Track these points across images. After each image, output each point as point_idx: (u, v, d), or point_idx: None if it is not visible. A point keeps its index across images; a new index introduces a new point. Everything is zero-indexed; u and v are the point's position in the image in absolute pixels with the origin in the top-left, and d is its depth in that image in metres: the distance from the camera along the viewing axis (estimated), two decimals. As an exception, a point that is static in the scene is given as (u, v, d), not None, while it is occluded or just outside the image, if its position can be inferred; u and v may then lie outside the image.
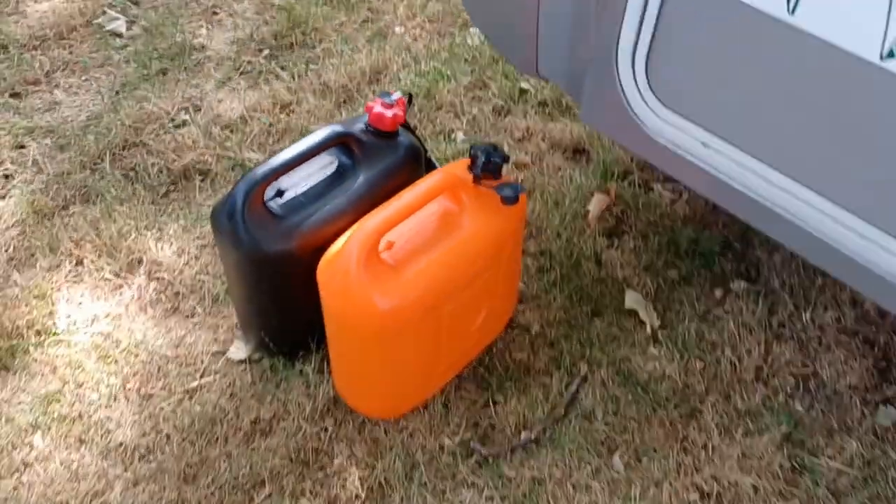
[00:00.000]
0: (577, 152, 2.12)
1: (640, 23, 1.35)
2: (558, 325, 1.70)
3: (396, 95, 1.53)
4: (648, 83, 1.41)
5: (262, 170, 1.36)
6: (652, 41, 1.36)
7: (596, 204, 1.94)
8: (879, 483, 1.48)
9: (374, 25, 2.50)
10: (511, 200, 1.40)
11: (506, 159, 1.44)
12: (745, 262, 1.88)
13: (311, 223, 1.40)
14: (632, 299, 1.76)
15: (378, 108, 1.50)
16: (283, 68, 2.32)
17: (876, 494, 1.47)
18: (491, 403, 1.57)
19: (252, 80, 2.29)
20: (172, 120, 2.14)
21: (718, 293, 1.81)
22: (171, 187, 1.96)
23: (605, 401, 1.58)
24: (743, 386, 1.63)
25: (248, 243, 1.36)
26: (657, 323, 1.73)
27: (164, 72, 2.30)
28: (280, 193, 1.43)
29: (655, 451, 1.52)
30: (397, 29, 2.49)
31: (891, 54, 1.06)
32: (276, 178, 1.39)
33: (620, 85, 1.44)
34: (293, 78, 2.28)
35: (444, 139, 2.12)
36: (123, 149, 2.04)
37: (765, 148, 1.30)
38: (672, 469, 1.48)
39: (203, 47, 2.38)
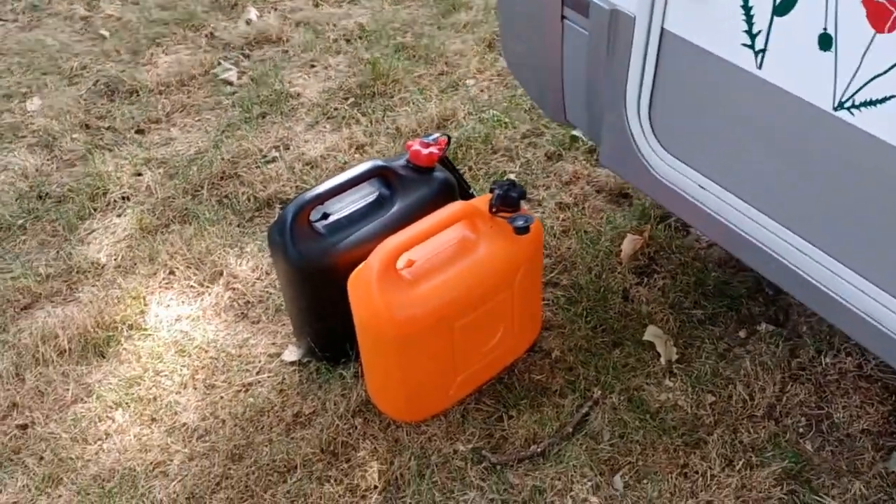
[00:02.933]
0: (621, 196, 2.25)
1: (642, 74, 1.51)
2: (578, 352, 1.83)
3: (436, 136, 1.75)
4: (653, 130, 1.56)
5: (309, 194, 1.61)
6: (652, 91, 1.52)
7: (628, 243, 2.06)
8: (881, 525, 1.51)
9: (448, 78, 2.76)
10: (522, 231, 1.58)
11: (522, 195, 1.62)
12: (775, 307, 1.94)
13: (349, 242, 1.62)
14: (651, 333, 1.86)
15: (416, 147, 1.72)
16: (363, 114, 2.61)
17: (875, 536, 1.50)
18: (505, 417, 1.72)
19: (336, 123, 2.59)
20: (264, 156, 2.46)
21: (743, 333, 1.88)
22: (256, 213, 2.26)
23: (612, 424, 1.69)
24: (752, 421, 1.69)
25: (294, 256, 1.60)
26: (675, 357, 1.82)
27: (263, 115, 2.64)
28: (325, 216, 1.67)
29: (656, 474, 1.61)
30: (469, 82, 2.74)
31: (840, 106, 1.17)
32: (322, 203, 1.63)
33: (629, 130, 1.59)
34: (370, 123, 2.55)
35: (498, 178, 2.31)
36: (220, 179, 2.37)
37: (747, 189, 1.42)
38: (668, 492, 1.57)
39: (298, 95, 2.72)
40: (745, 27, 1.25)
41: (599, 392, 1.75)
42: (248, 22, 3.11)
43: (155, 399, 1.79)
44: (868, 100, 1.12)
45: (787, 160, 1.31)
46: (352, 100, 2.69)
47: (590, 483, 1.60)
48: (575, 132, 2.42)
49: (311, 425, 1.71)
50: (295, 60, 2.90)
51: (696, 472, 1.60)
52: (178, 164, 2.45)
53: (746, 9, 1.24)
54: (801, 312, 1.91)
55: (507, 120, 2.51)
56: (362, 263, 1.55)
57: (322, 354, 1.79)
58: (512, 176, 2.33)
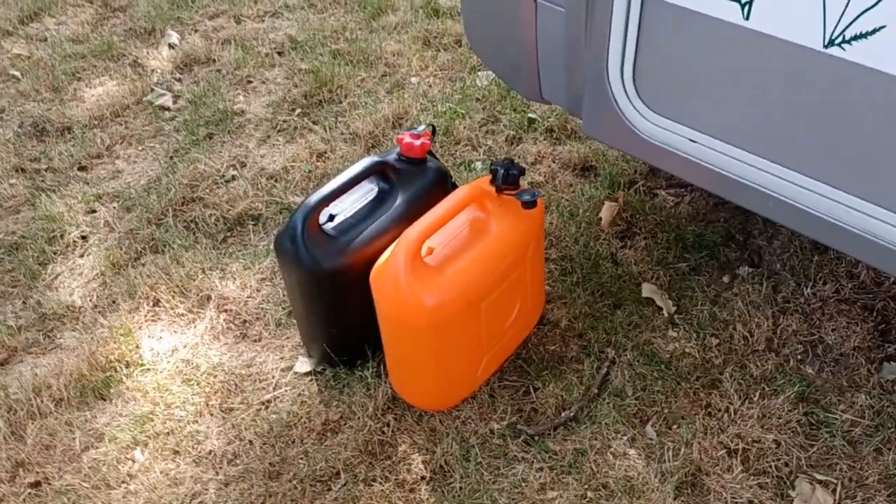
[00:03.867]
0: (586, 169, 2.34)
1: (624, 40, 1.58)
2: (584, 319, 1.90)
3: (422, 128, 1.78)
4: (637, 93, 1.64)
5: (314, 198, 1.59)
6: (636, 56, 1.59)
7: (607, 211, 2.15)
8: (890, 429, 1.64)
9: (391, 79, 2.77)
10: (530, 205, 1.62)
11: (522, 171, 1.67)
12: (748, 251, 2.07)
13: (362, 240, 1.62)
14: (648, 290, 1.95)
15: (407, 139, 1.74)
16: (315, 123, 2.59)
17: (887, 439, 1.63)
18: (532, 390, 1.76)
19: (289, 135, 2.56)
20: (223, 176, 2.40)
21: (726, 279, 1.99)
22: (229, 233, 2.21)
23: (633, 379, 1.76)
24: (756, 356, 1.80)
25: (308, 261, 1.59)
26: (673, 309, 1.92)
27: (210, 136, 2.57)
28: (332, 218, 1.66)
29: (683, 418, 1.69)
30: (413, 80, 2.76)
31: (831, 43, 1.28)
32: (328, 205, 1.62)
33: (613, 98, 1.67)
34: (325, 130, 2.54)
35: (465, 169, 2.35)
36: (183, 204, 2.29)
37: (741, 136, 1.51)
38: (700, 431, 1.65)
39: (243, 112, 2.66)
40: (730, -19, 1.34)
41: (613, 352, 1.82)
42: (172, 46, 3.01)
43: (173, 432, 1.72)
44: (859, 33, 1.23)
45: (780, 103, 1.41)
46: (299, 110, 2.66)
47: (625, 437, 1.66)
48: (532, 115, 2.49)
49: (343, 430, 1.70)
50: (230, 78, 2.84)
51: (720, 410, 1.70)
52: (133, 196, 2.35)
53: (730, -36, 1.33)
54: (772, 252, 2.06)
55: (462, 111, 2.55)
56: (384, 257, 1.55)
57: (339, 359, 1.78)
58: (478, 164, 2.37)
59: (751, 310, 1.89)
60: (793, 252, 2.04)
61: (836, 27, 1.25)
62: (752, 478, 1.58)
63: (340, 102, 2.67)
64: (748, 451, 1.62)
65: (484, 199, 1.64)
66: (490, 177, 1.69)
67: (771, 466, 1.60)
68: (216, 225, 2.22)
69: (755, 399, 1.71)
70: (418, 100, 2.64)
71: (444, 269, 1.54)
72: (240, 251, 2.14)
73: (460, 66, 2.80)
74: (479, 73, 2.74)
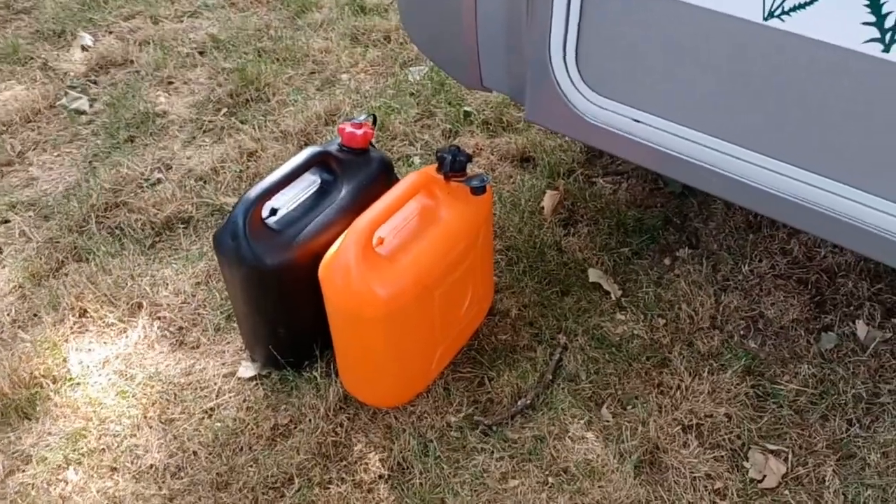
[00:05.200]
0: (524, 160, 2.34)
1: (566, 23, 1.58)
2: (533, 307, 1.89)
3: (363, 117, 1.73)
4: (580, 75, 1.64)
5: (255, 192, 1.52)
6: (578, 38, 1.59)
7: (548, 200, 2.15)
8: (833, 395, 1.69)
9: (320, 76, 2.71)
10: (480, 190, 1.60)
11: (469, 158, 1.64)
12: (686, 233, 2.11)
13: (306, 234, 1.56)
14: (594, 275, 1.96)
15: (349, 129, 1.69)
16: (243, 122, 2.50)
17: (832, 405, 1.68)
18: (486, 380, 1.73)
19: (216, 136, 2.46)
20: (147, 179, 2.28)
21: (667, 261, 2.02)
22: (157, 238, 2.09)
23: (585, 363, 1.76)
24: (702, 333, 1.83)
25: (252, 258, 1.51)
26: (619, 292, 1.93)
27: (132, 139, 2.44)
28: (274, 212, 1.59)
29: (637, 398, 1.69)
30: (343, 76, 2.71)
31: (771, 15, 1.31)
32: (269, 199, 1.55)
33: (556, 81, 1.66)
34: (254, 129, 2.45)
35: (404, 164, 2.31)
36: (106, 210, 2.16)
37: (684, 113, 1.53)
38: (654, 410, 1.66)
39: (165, 113, 2.54)
40: (670, -43, 1.36)
41: (564, 338, 1.81)
42: (85, 48, 2.85)
43: (109, 448, 1.60)
44: (797, 4, 1.26)
45: (723, 77, 1.43)
46: (225, 110, 2.56)
47: (582, 421, 1.65)
48: (467, 108, 2.48)
49: (294, 434, 1.62)
50: (149, 80, 2.71)
51: (671, 388, 1.71)
52: (50, 203, 2.20)
53: (670, -61, 1.34)
54: (708, 233, 2.10)
55: (396, 106, 2.51)
56: (332, 250, 1.50)
57: (285, 361, 1.70)
58: (416, 159, 2.34)
59: (693, 289, 1.92)
60: (728, 232, 2.09)
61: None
62: (707, 452, 1.60)
63: (268, 101, 2.59)
64: (702, 426, 1.64)
65: (432, 186, 1.61)
66: (437, 164, 1.65)
67: (724, 440, 1.62)
68: (143, 230, 2.11)
69: (704, 375, 1.73)
70: (350, 96, 2.58)
71: (397, 258, 1.50)
72: (171, 256, 2.04)
73: (391, 62, 2.76)
74: (410, 69, 2.71)
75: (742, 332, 1.84)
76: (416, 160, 2.33)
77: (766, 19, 1.31)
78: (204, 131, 2.48)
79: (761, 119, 1.44)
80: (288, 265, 1.54)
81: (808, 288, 1.93)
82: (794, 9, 1.27)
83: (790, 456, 1.60)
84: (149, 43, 2.89)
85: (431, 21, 1.88)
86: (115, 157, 2.36)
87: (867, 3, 1.20)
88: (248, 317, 1.68)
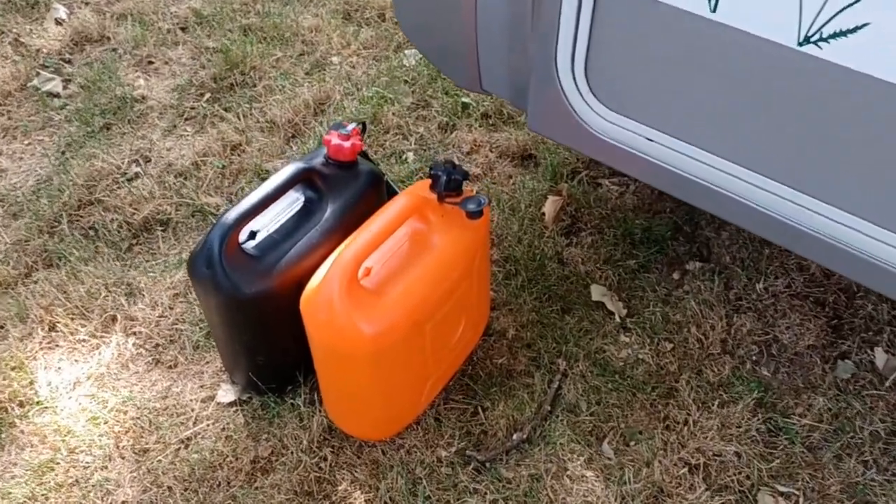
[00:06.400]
0: (525, 158, 2.20)
1: (575, 32, 1.43)
2: (532, 327, 1.77)
3: (351, 126, 1.58)
4: (590, 88, 1.50)
5: (233, 214, 1.39)
6: (588, 49, 1.44)
7: (550, 206, 2.02)
8: (849, 433, 1.59)
9: (310, 58, 2.54)
10: (476, 215, 1.47)
11: (466, 176, 1.51)
12: (697, 243, 1.98)
13: (288, 260, 1.43)
14: (597, 292, 1.84)
15: (336, 141, 1.54)
16: (227, 110, 2.34)
17: (847, 444, 1.58)
18: (480, 410, 1.62)
19: (198, 124, 2.31)
20: (124, 174, 2.14)
21: (676, 275, 1.90)
22: (134, 241, 1.97)
23: (587, 393, 1.66)
24: (712, 360, 1.72)
25: (229, 288, 1.39)
26: (624, 311, 1.81)
27: (108, 127, 2.29)
28: (253, 235, 1.46)
29: (641, 433, 1.59)
30: (334, 59, 2.54)
31: (806, 40, 1.16)
32: (248, 221, 1.42)
33: (563, 92, 1.52)
34: (239, 118, 2.30)
35: (396, 161, 2.17)
36: (79, 208, 2.03)
37: (703, 136, 1.40)
38: (659, 448, 1.56)
39: (144, 98, 2.39)
40: (695, -31, 1.21)
41: (564, 363, 1.71)
42: (59, 21, 2.68)
43: (78, 482, 1.51)
44: (838, 31, 1.11)
45: (748, 101, 1.29)
46: (208, 95, 2.40)
47: (582, 458, 1.56)
48: (465, 99, 2.32)
49: (275, 468, 1.53)
50: (128, 59, 2.55)
51: (678, 422, 1.61)
52: (19, 200, 2.07)
53: (696, -50, 1.19)
54: (720, 244, 1.98)
55: (389, 95, 2.35)
56: (315, 281, 1.37)
57: (266, 386, 1.60)
58: (410, 155, 2.20)
59: (704, 309, 1.81)
60: (741, 244, 1.97)
61: (812, 24, 1.13)
62: (715, 496, 1.50)
63: (254, 86, 2.43)
64: (709, 466, 1.54)
65: (425, 208, 1.47)
66: (429, 181, 1.52)
67: (733, 481, 1.52)
68: (119, 232, 1.98)
69: (714, 408, 1.63)
70: (341, 83, 2.42)
71: (384, 291, 1.37)
72: (148, 262, 1.91)
73: (385, 44, 2.59)
74: (405, 52, 2.54)
75: (754, 359, 1.73)
76: (410, 156, 2.19)
77: (800, 45, 1.16)
78: (185, 119, 2.33)
79: (787, 149, 1.30)
80: (267, 294, 1.42)
81: (825, 309, 1.81)
82: (833, 35, 1.12)
83: (801, 499, 1.51)
84: (127, 17, 2.71)
85: (427, 17, 1.72)
86: (89, 148, 2.21)
87: (920, 33, 1.05)
88: (226, 343, 1.57)
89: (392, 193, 1.63)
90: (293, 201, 1.52)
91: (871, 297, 1.83)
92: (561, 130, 1.61)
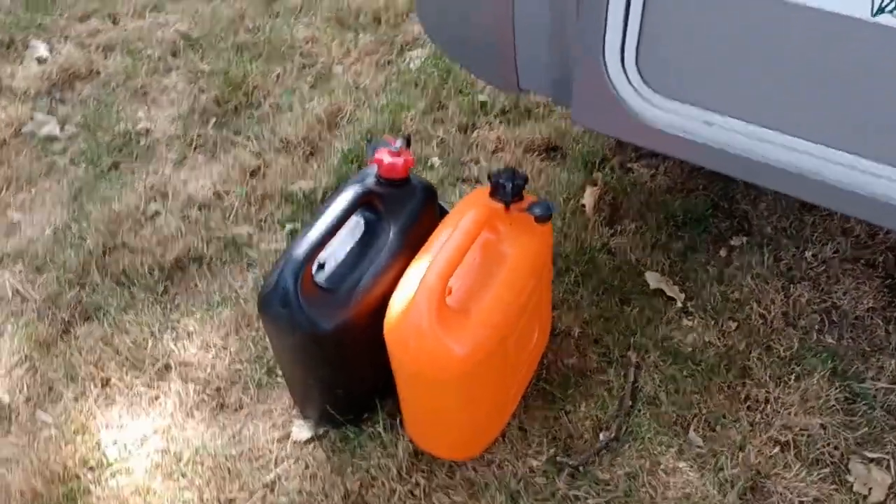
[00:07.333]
0: (550, 150, 2.17)
1: (626, 21, 1.40)
2: (595, 322, 1.76)
3: (398, 143, 1.53)
4: (642, 77, 1.47)
5: (301, 249, 1.34)
6: (640, 37, 1.41)
7: (589, 197, 2.00)
8: (923, 390, 1.61)
9: (312, 70, 2.47)
10: (545, 219, 1.44)
11: (526, 180, 1.48)
12: (737, 217, 1.98)
13: (363, 287, 1.39)
14: (653, 279, 1.83)
15: (388, 159, 1.50)
16: (237, 133, 2.27)
17: (924, 401, 1.60)
18: (563, 414, 1.60)
19: (209, 152, 2.23)
20: (144, 213, 2.06)
21: (723, 252, 1.90)
22: (169, 283, 1.89)
23: (664, 383, 1.65)
24: (777, 334, 1.72)
25: (308, 325, 1.34)
26: (682, 296, 1.80)
27: (116, 165, 2.20)
28: (321, 267, 1.41)
29: (725, 416, 1.59)
30: (337, 69, 2.48)
31: (881, 10, 1.15)
32: (318, 254, 1.37)
33: (612, 83, 1.49)
34: (251, 141, 2.23)
35: (423, 167, 2.13)
36: (105, 255, 1.95)
37: (770, 115, 1.38)
38: (746, 429, 1.56)
39: (148, 131, 2.30)
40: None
41: (635, 355, 1.69)
42: (41, 60, 2.56)
43: (168, 542, 1.45)
44: (917, 0, 1.10)
45: (819, 77, 1.28)
46: (214, 120, 2.32)
47: (672, 450, 1.55)
48: (481, 96, 2.28)
49: (368, 502, 1.49)
50: (122, 92, 2.45)
51: (759, 401, 1.61)
52: (41, 253, 1.97)
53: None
54: (760, 216, 1.98)
55: (404, 101, 2.30)
56: (399, 307, 1.33)
57: (343, 419, 1.55)
58: (435, 160, 2.15)
59: (759, 284, 1.81)
60: (781, 213, 1.97)
61: (889, -6, 1.12)
62: (811, 471, 1.50)
63: (260, 105, 2.36)
64: (798, 442, 1.55)
65: (493, 218, 1.44)
66: (487, 190, 1.48)
67: (824, 454, 1.53)
68: (152, 275, 1.90)
69: (791, 382, 1.63)
70: (350, 93, 2.36)
71: (469, 310, 1.34)
72: (189, 302, 1.84)
73: (387, 48, 2.53)
74: (409, 53, 2.49)
75: (818, 328, 1.74)
76: (436, 161, 2.14)
77: (874, 15, 1.15)
78: (195, 148, 2.25)
79: (863, 120, 1.29)
80: (347, 326, 1.38)
81: (877, 270, 1.83)
82: (913, 4, 1.11)
83: (892, 463, 1.52)
84: (113, 48, 2.60)
85: (455, 17, 1.67)
86: (102, 190, 2.12)
87: None
88: (300, 379, 1.52)
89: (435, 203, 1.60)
90: (354, 226, 1.48)
91: (919, 252, 1.85)
92: (611, 121, 1.58)
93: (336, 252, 1.44)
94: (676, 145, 1.52)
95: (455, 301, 1.35)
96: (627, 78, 1.48)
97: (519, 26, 1.56)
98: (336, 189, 1.53)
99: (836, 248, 1.88)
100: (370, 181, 1.51)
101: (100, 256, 1.95)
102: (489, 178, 1.47)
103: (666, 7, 1.36)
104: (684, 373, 1.66)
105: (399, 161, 1.50)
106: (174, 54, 2.58)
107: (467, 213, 1.39)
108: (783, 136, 1.39)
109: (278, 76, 2.46)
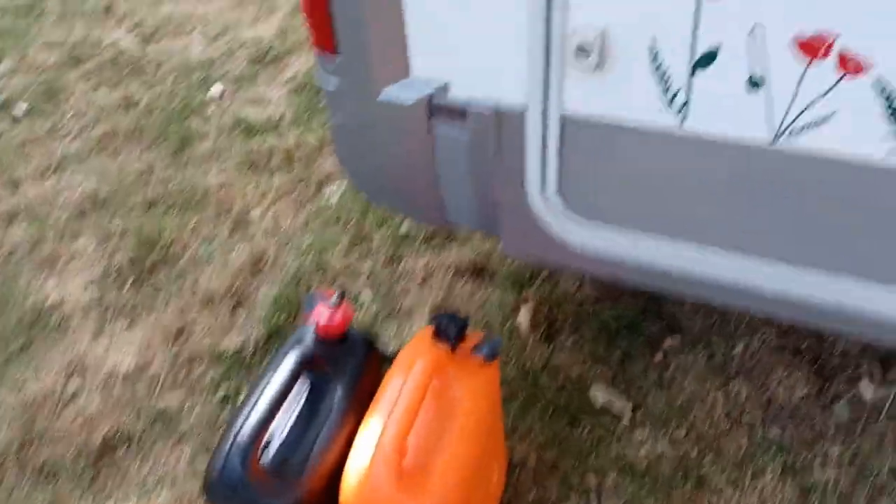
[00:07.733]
0: (481, 271, 2.19)
1: (543, 164, 1.45)
2: (549, 448, 1.74)
3: (333, 300, 1.51)
4: (565, 206, 1.52)
5: (246, 431, 1.28)
6: (559, 172, 1.47)
7: (524, 316, 2.02)
8: (870, 475, 1.65)
9: (228, 217, 2.44)
10: (492, 358, 1.44)
11: (467, 320, 1.47)
12: (665, 319, 2.03)
13: (313, 461, 1.34)
14: (598, 395, 1.84)
15: (325, 317, 1.47)
16: (157, 290, 2.19)
17: (873, 486, 1.64)
18: (532, 554, 1.56)
19: (129, 318, 2.14)
20: (62, 395, 1.93)
21: (659, 357, 1.94)
22: (96, 471, 1.76)
23: (626, 503, 1.63)
24: (725, 435, 1.75)
25: (260, 511, 1.27)
26: (629, 407, 1.82)
27: (27, 345, 2.07)
28: (267, 444, 1.35)
29: (692, 530, 1.58)
30: (254, 213, 2.46)
31: (778, 137, 1.24)
32: (265, 434, 1.31)
33: (538, 215, 1.53)
34: (171, 298, 2.16)
35: (355, 305, 2.10)
36: (23, 447, 1.80)
37: (690, 232, 1.44)
38: (715, 541, 1.56)
39: (61, 302, 2.19)
40: (661, 89, 1.26)
41: (594, 478, 1.68)
42: (-64, 237, 2.43)
43: None
44: (810, 122, 1.19)
45: (731, 198, 1.35)
46: (131, 281, 2.24)
47: (646, 574, 1.52)
48: (404, 228, 2.30)
49: None
50: (28, 263, 2.34)
51: (722, 509, 1.62)
52: (-51, 453, 1.81)
53: (660, 72, 1.25)
54: (686, 316, 2.04)
55: (326, 239, 2.29)
56: (356, 477, 1.27)
57: None
58: (367, 291, 2.13)
59: (699, 385, 1.85)
60: (704, 311, 2.04)
61: (783, 120, 1.21)
62: (783, 575, 1.50)
63: (179, 261, 2.30)
64: (766, 546, 1.55)
65: (441, 361, 1.42)
66: (427, 333, 1.47)
67: (792, 555, 1.54)
68: (77, 462, 1.77)
69: (747, 484, 1.65)
70: (270, 237, 2.34)
71: (428, 468, 1.30)
72: (122, 489, 1.72)
73: (303, 186, 2.54)
74: (326, 189, 2.51)
75: (761, 421, 1.78)
76: (367, 297, 2.13)
77: (773, 142, 1.24)
78: (113, 315, 2.15)
79: (775, 229, 1.37)
80: (301, 504, 1.31)
81: (805, 356, 1.90)
82: (806, 127, 1.20)
83: (856, 553, 1.54)
84: (15, 216, 2.50)
85: (379, 170, 1.70)
86: (13, 374, 1.99)
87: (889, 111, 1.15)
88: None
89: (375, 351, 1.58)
90: (297, 390, 1.43)
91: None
92: (541, 250, 1.61)
93: (281, 424, 1.38)
94: (610, 266, 1.56)
95: (412, 460, 1.31)
96: (554, 211, 1.53)
97: (444, 180, 1.60)
98: (275, 353, 1.48)
99: (763, 338, 1.95)
100: (308, 341, 1.48)
101: (18, 449, 1.80)
102: (431, 321, 1.47)
103: (579, 152, 1.42)
104: (644, 491, 1.65)
105: (337, 317, 1.48)
106: (82, 215, 2.50)
107: (415, 363, 1.37)
108: (702, 249, 1.46)
109: (194, 227, 2.41)
